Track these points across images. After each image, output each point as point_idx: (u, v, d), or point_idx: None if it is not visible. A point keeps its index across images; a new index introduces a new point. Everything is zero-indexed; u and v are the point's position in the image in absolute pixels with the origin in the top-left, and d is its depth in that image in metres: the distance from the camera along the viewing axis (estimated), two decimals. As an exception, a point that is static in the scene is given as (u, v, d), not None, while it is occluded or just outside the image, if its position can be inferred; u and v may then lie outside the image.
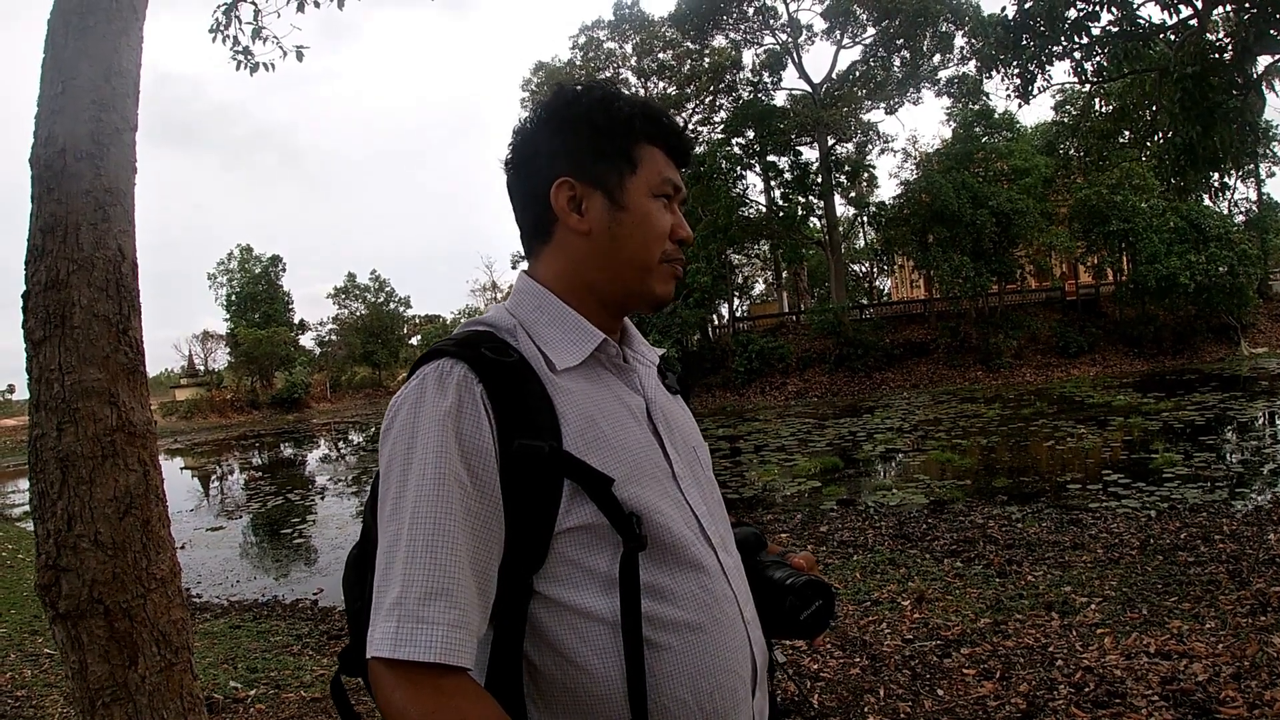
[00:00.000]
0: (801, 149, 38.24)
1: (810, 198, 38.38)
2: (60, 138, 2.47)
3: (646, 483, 1.12)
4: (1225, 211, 36.33)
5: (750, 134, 37.87)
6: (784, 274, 49.27)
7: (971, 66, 31.43)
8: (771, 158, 38.11)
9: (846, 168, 38.26)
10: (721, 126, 39.93)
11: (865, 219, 42.13)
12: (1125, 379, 27.71)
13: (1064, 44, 9.41)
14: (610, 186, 1.19)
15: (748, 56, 40.37)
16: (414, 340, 64.84)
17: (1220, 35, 8.99)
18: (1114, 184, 30.80)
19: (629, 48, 40.98)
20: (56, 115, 2.49)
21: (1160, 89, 9.57)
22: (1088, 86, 12.72)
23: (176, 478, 24.87)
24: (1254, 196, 42.34)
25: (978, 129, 35.75)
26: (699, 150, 38.69)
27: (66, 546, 2.28)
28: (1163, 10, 8.61)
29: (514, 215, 1.27)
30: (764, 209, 39.06)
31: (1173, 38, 9.28)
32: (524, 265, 1.30)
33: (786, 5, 38.50)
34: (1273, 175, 41.83)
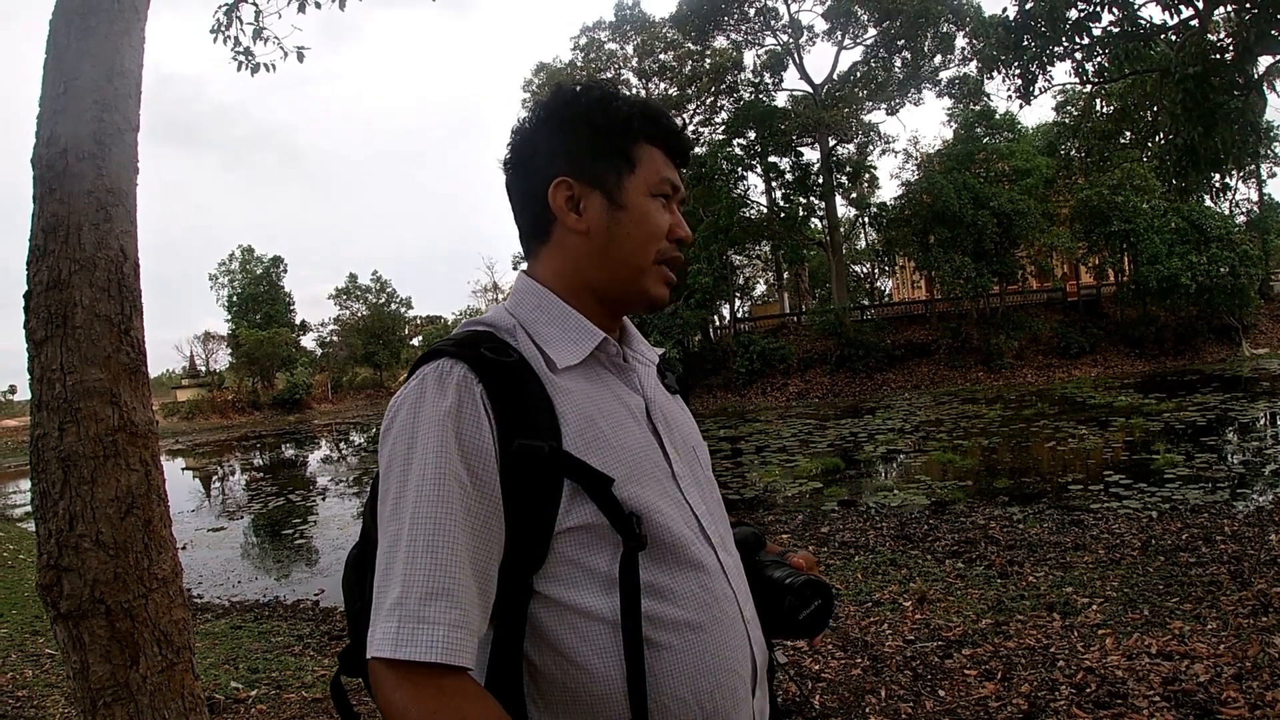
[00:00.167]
0: (803, 150, 38.26)
1: (811, 198, 38.37)
2: (62, 138, 2.47)
3: (646, 482, 1.12)
4: (1226, 212, 36.37)
5: (751, 135, 37.88)
6: (785, 275, 49.29)
7: (973, 67, 31.55)
8: (773, 158, 38.12)
9: (848, 168, 38.27)
10: (723, 127, 39.93)
11: (866, 220, 42.10)
12: (1126, 380, 27.70)
13: (1065, 44, 9.40)
14: (609, 186, 1.19)
15: (749, 57, 40.44)
16: (415, 341, 64.82)
17: (1221, 36, 8.99)
18: (1115, 185, 30.80)
19: (630, 48, 41.01)
20: (58, 115, 2.49)
21: (1161, 89, 9.57)
22: (1089, 87, 12.72)
23: (178, 478, 24.87)
24: (1255, 197, 42.38)
25: (979, 130, 35.78)
26: (700, 151, 38.69)
27: (68, 546, 2.28)
28: (1164, 11, 8.61)
29: (513, 215, 1.27)
30: (765, 210, 39.05)
31: (1174, 38, 9.27)
32: (523, 265, 1.30)
33: (788, 6, 38.53)
34: (1274, 176, 41.97)
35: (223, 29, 6.96)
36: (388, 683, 0.96)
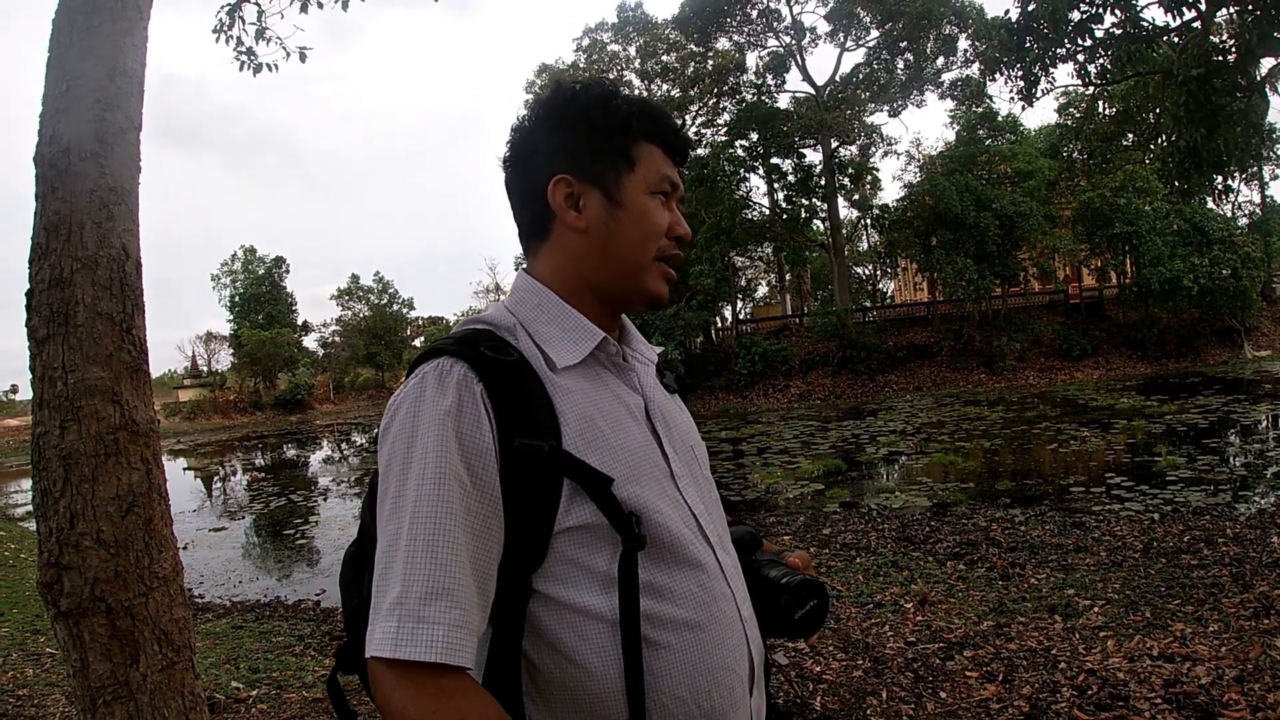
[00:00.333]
0: (805, 151, 38.29)
1: (814, 200, 38.40)
2: (65, 136, 2.47)
3: (645, 482, 1.12)
4: (1229, 214, 36.36)
5: (754, 136, 37.90)
6: (787, 276, 49.24)
7: (975, 69, 31.56)
8: (775, 160, 38.15)
9: (850, 170, 38.28)
10: (725, 129, 39.93)
11: (868, 221, 42.20)
12: (1128, 382, 27.67)
13: (1067, 46, 9.40)
14: (608, 184, 1.19)
15: (751, 59, 40.46)
16: (417, 342, 64.77)
17: (1224, 37, 8.97)
18: (1117, 187, 30.79)
19: (632, 50, 41.02)
20: (61, 114, 2.50)
21: (1164, 91, 9.56)
22: (1091, 89, 12.72)
23: (180, 478, 24.87)
24: (1257, 199, 42.33)
25: (981, 131, 35.73)
26: (702, 153, 38.71)
27: (69, 544, 2.28)
28: (1166, 12, 8.61)
29: (512, 213, 1.27)
30: (767, 211, 39.07)
31: (1176, 40, 9.26)
32: (523, 264, 1.30)
33: (790, 8, 38.55)
34: (1276, 178, 42.00)
35: (225, 29, 6.98)
36: (387, 682, 0.96)
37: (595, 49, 41.17)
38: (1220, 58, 8.36)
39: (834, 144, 37.85)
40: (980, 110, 35.73)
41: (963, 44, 35.62)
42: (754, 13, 38.70)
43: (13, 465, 32.22)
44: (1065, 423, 18.54)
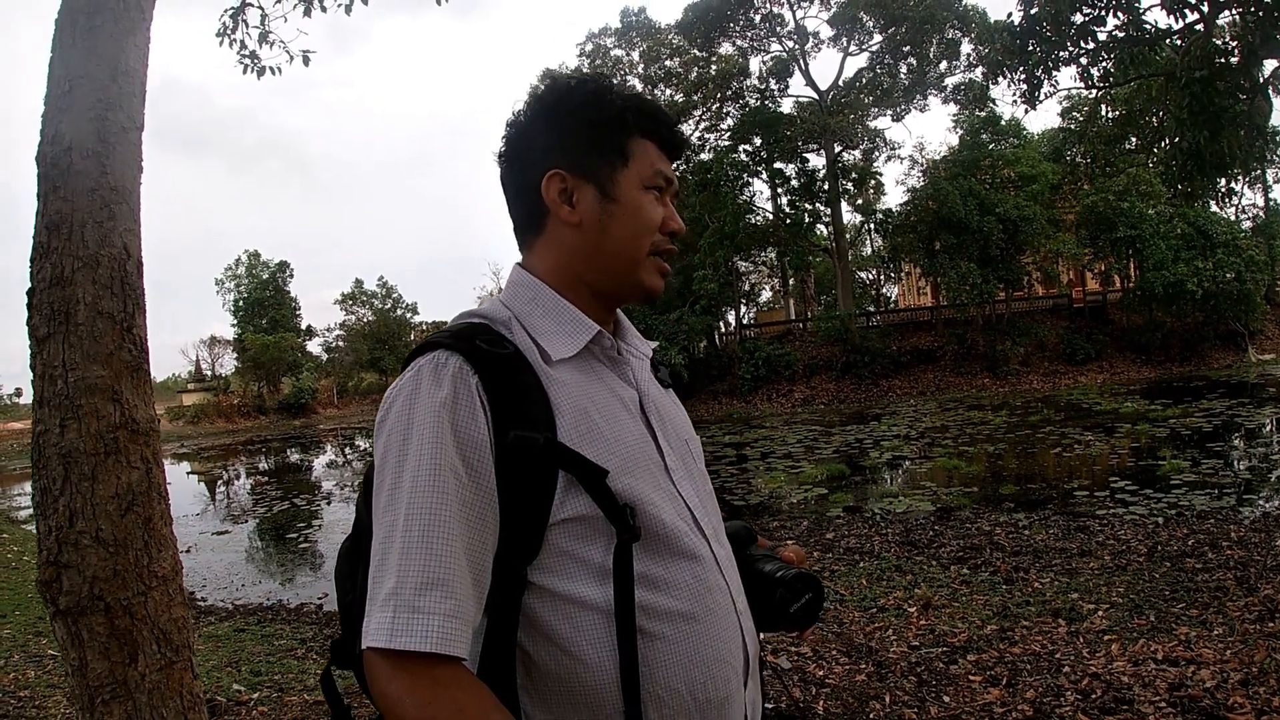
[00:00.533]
0: (808, 156, 38.41)
1: (817, 205, 38.44)
2: (67, 136, 2.47)
3: (640, 474, 1.12)
4: (1232, 217, 36.31)
5: (757, 141, 37.97)
6: (791, 281, 49.25)
7: (978, 73, 31.56)
8: (778, 165, 38.19)
9: (853, 175, 38.33)
10: (728, 134, 40.01)
11: (872, 226, 42.22)
12: (1132, 386, 27.63)
13: (1070, 49, 9.39)
14: (601, 179, 1.19)
15: (754, 64, 40.56)
16: (421, 346, 64.56)
17: (1226, 39, 8.96)
18: (1121, 190, 30.77)
19: (636, 55, 41.11)
20: (63, 113, 2.50)
21: (1167, 94, 9.54)
22: (1094, 92, 12.70)
23: (183, 482, 24.90)
24: (1261, 202, 42.28)
25: (984, 136, 35.75)
26: (706, 157, 38.79)
27: (68, 543, 2.28)
28: (1169, 15, 8.60)
29: (507, 207, 1.28)
30: (771, 216, 39.11)
31: (1179, 42, 9.26)
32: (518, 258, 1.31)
33: (793, 12, 38.63)
34: (1280, 181, 41.77)
35: (229, 32, 7.00)
36: (382, 673, 0.96)
37: (599, 54, 41.25)
38: (1223, 60, 8.35)
39: (837, 148, 37.88)
40: (983, 114, 35.73)
41: (965, 48, 35.71)
42: (757, 18, 38.80)
43: (16, 468, 32.25)
44: (1069, 427, 18.50)
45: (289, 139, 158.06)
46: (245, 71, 7.04)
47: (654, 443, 1.19)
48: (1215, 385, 24.54)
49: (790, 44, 39.16)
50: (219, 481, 24.99)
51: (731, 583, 1.19)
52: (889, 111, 38.91)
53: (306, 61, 7.13)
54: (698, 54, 39.74)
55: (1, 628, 7.60)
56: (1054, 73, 9.89)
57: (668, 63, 40.52)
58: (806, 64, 39.43)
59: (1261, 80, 8.53)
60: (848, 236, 42.52)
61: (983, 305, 33.67)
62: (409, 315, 66.38)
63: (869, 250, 52.94)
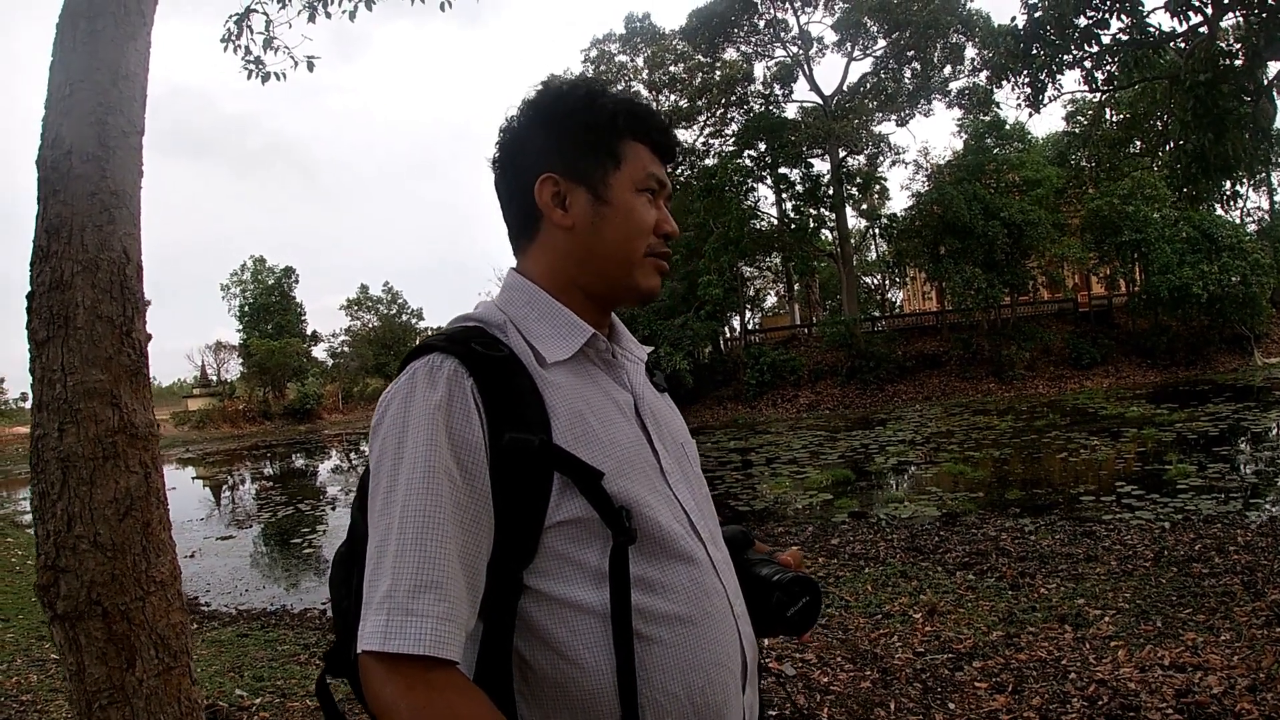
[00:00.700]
0: (813, 161, 38.31)
1: (822, 210, 38.39)
2: (67, 140, 2.47)
3: (635, 477, 1.12)
4: (1238, 221, 36.21)
5: (761, 146, 37.95)
6: (795, 286, 49.23)
7: (982, 77, 31.51)
8: (783, 170, 38.16)
9: (858, 180, 38.31)
10: (733, 139, 40.03)
11: (877, 231, 42.13)
12: (1138, 390, 27.55)
13: (1074, 52, 9.38)
14: (594, 182, 1.20)
15: (759, 69, 40.56)
16: (425, 352, 64.62)
17: (1231, 42, 8.94)
18: (1126, 194, 30.72)
19: (640, 61, 41.16)
20: (63, 117, 2.50)
21: (1171, 97, 9.51)
22: (1098, 95, 12.67)
23: (188, 487, 24.94)
24: (1266, 205, 42.24)
25: (989, 140, 35.69)
26: (710, 163, 38.81)
27: (66, 547, 2.27)
28: (1173, 18, 8.57)
29: (501, 212, 1.28)
30: (775, 221, 39.07)
31: (1183, 45, 9.24)
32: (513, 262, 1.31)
33: (797, 18, 38.65)
34: (1286, 184, 41.67)
35: (233, 38, 7.02)
36: (377, 677, 0.96)
37: (603, 59, 41.30)
38: (1227, 62, 8.32)
39: (842, 153, 37.86)
40: (988, 119, 35.68)
41: (969, 52, 35.65)
42: (761, 23, 38.82)
43: (20, 472, 32.29)
44: (1075, 431, 18.45)
45: (294, 144, 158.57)
46: (250, 77, 7.07)
47: (649, 446, 1.19)
48: (1221, 389, 24.47)
49: (794, 49, 39.18)
50: (224, 486, 25.01)
51: (729, 586, 1.19)
52: (893, 116, 38.87)
53: (311, 67, 7.16)
54: (702, 59, 39.76)
55: (5, 632, 7.61)
56: (1058, 76, 9.87)
57: (672, 68, 40.55)
58: (811, 69, 39.44)
59: (1266, 82, 8.50)
60: (852, 241, 42.45)
61: (988, 310, 33.61)
62: (414, 320, 66.61)
63: (874, 255, 52.98)
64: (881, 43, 37.77)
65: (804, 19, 38.72)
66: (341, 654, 1.11)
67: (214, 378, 62.12)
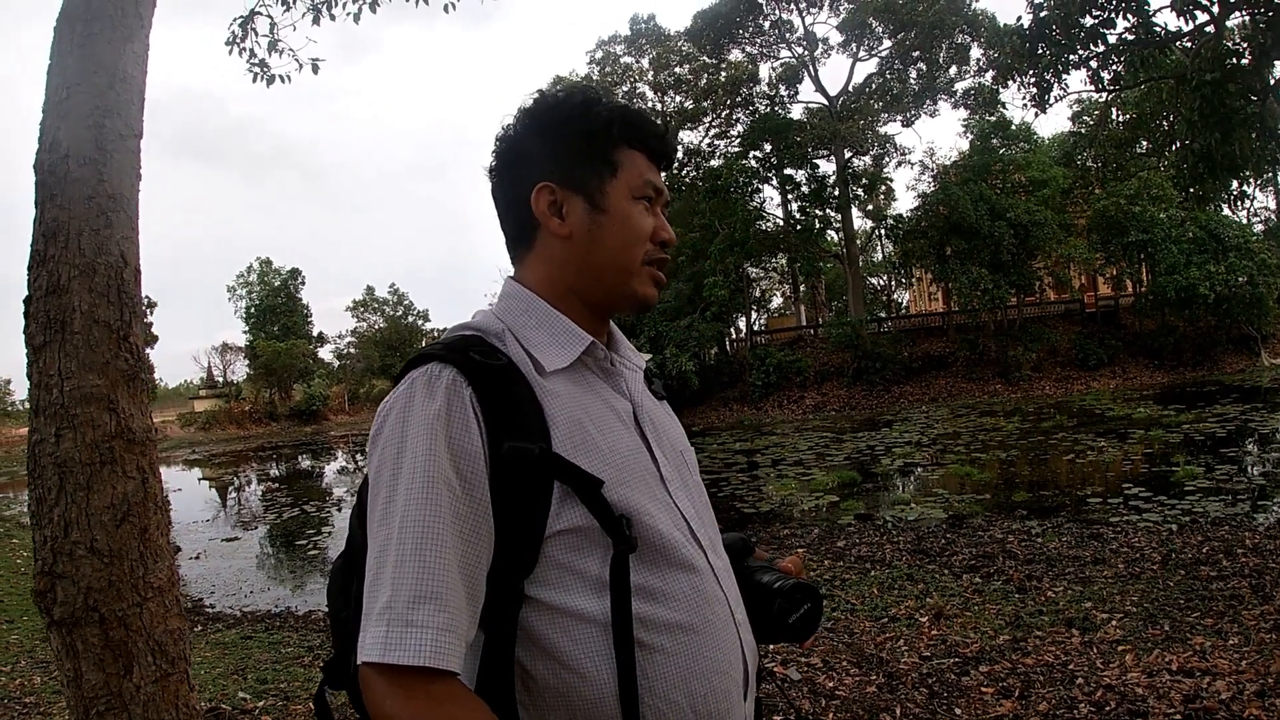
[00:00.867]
0: (818, 162, 38.21)
1: (827, 211, 38.29)
2: (64, 143, 2.47)
3: (635, 485, 1.12)
4: (1244, 221, 36.00)
5: (767, 147, 37.87)
6: (801, 287, 49.10)
7: (988, 78, 31.45)
8: (788, 171, 38.08)
9: (864, 180, 38.18)
10: (738, 140, 39.95)
11: (883, 232, 42.02)
12: (1145, 391, 27.45)
13: (1080, 52, 9.35)
14: (590, 190, 1.20)
15: (764, 70, 40.49)
16: (432, 353, 64.66)
17: (1237, 41, 8.90)
18: (1132, 194, 30.59)
19: (645, 62, 41.13)
20: (61, 121, 2.49)
21: (1178, 96, 9.48)
22: (1105, 95, 12.64)
23: (194, 488, 24.99)
24: (1273, 205, 42.05)
25: (995, 140, 35.58)
26: (716, 164, 38.78)
27: (62, 553, 2.26)
28: (1179, 17, 8.55)
29: (499, 221, 1.28)
30: (781, 222, 39.01)
31: (1189, 45, 9.21)
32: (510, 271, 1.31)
33: (802, 19, 38.60)
34: (1292, 183, 41.45)
35: (238, 41, 7.02)
36: (378, 689, 0.95)
37: (608, 61, 41.29)
38: (1234, 61, 8.28)
39: (847, 154, 37.77)
40: (994, 119, 35.58)
41: (975, 52, 35.55)
42: (766, 24, 38.78)
43: (26, 474, 32.34)
44: (1082, 433, 18.38)
45: (302, 147, 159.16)
46: (255, 80, 7.07)
47: (649, 454, 1.18)
48: (1228, 390, 24.36)
49: (800, 50, 39.13)
50: (230, 488, 25.05)
51: (730, 594, 1.19)
52: (899, 117, 38.80)
53: (316, 69, 7.16)
54: (707, 61, 39.72)
55: (9, 633, 7.62)
56: (1064, 76, 9.86)
57: (677, 69, 40.51)
58: (816, 70, 39.40)
59: (1273, 82, 8.46)
60: (858, 242, 42.42)
61: (994, 311, 33.53)
62: (420, 322, 66.61)
63: (880, 256, 52.84)
64: (887, 43, 37.70)
65: (809, 20, 38.70)
66: (340, 665, 1.11)
67: (220, 379, 62.27)
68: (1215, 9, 8.50)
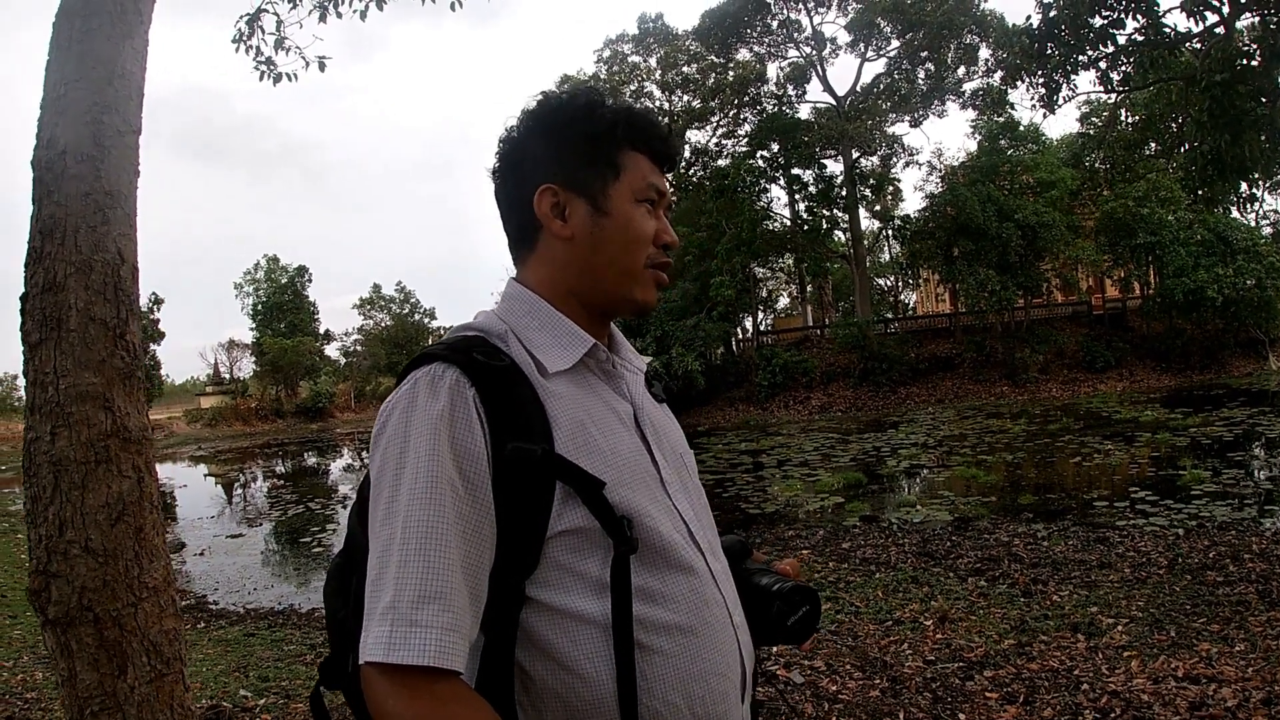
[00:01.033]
0: (826, 162, 38.21)
1: (835, 211, 38.27)
2: (61, 140, 2.45)
3: (636, 487, 1.12)
4: (1253, 224, 35.86)
5: (774, 147, 37.86)
6: (808, 288, 49.03)
7: (996, 78, 31.36)
8: (796, 171, 38.04)
9: (871, 181, 38.15)
10: (746, 140, 39.97)
11: (890, 232, 41.95)
12: (1152, 394, 27.37)
13: (1089, 53, 9.32)
14: (593, 192, 1.20)
15: (772, 70, 40.48)
16: (438, 351, 64.76)
17: (1247, 42, 8.84)
18: (1140, 196, 30.50)
19: (653, 61, 41.12)
20: (59, 117, 2.48)
21: (1187, 97, 9.42)
22: (1113, 96, 12.59)
23: (200, 484, 25.06)
24: (1282, 208, 41.75)
25: (1003, 141, 35.49)
26: (723, 163, 38.76)
27: (57, 552, 2.25)
28: (1188, 18, 8.50)
29: (501, 222, 1.29)
30: (788, 222, 38.99)
31: (1199, 46, 9.15)
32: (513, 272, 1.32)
33: (810, 18, 38.55)
34: (1301, 186, 41.25)
35: (244, 39, 7.02)
36: (381, 689, 0.95)
37: (616, 60, 41.30)
38: (1244, 63, 8.23)
39: (855, 154, 37.74)
40: (1002, 120, 35.47)
41: (984, 53, 35.47)
42: (774, 24, 38.75)
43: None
44: (1088, 436, 18.32)
45: (310, 144, 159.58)
46: (261, 78, 7.07)
47: (649, 456, 1.19)
48: (1236, 393, 24.26)
49: (808, 50, 39.08)
50: (235, 484, 25.10)
51: (728, 597, 1.19)
52: (907, 117, 38.75)
53: (322, 67, 7.15)
54: (715, 60, 39.72)
55: (12, 628, 7.64)
56: (1073, 77, 9.80)
57: (685, 69, 40.51)
58: (824, 70, 39.35)
59: (1282, 84, 8.40)
60: (866, 243, 42.32)
61: (1001, 312, 33.46)
62: (427, 320, 66.66)
63: (887, 257, 52.74)
64: (895, 43, 37.65)
65: (817, 19, 38.67)
66: (337, 665, 1.11)
67: (227, 376, 62.37)
68: (1225, 10, 8.45)
